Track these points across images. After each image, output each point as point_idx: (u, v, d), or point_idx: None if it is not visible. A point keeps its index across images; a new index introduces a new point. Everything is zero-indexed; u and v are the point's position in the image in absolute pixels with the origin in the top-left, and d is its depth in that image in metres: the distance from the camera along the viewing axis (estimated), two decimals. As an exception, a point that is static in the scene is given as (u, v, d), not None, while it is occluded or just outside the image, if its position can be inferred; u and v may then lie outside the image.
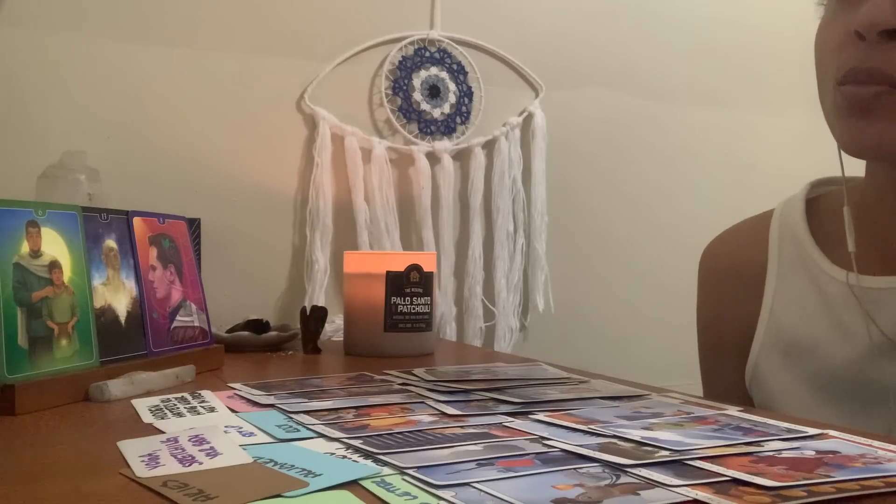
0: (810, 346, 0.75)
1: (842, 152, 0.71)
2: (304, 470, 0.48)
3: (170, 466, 0.49)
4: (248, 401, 0.70)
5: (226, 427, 0.60)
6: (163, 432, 0.59)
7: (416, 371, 0.85)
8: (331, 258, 1.36)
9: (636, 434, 0.56)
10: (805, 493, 0.43)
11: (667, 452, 0.51)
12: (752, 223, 0.85)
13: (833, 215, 0.76)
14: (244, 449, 0.53)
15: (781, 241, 0.80)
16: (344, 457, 0.52)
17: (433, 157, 1.45)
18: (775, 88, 1.75)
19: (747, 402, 0.82)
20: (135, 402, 0.70)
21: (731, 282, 0.84)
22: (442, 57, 1.46)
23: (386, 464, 0.49)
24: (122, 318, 0.80)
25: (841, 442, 0.55)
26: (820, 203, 0.80)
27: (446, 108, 1.46)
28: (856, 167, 0.76)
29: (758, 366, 0.80)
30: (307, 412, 0.64)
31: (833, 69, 0.68)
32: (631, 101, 1.65)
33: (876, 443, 0.54)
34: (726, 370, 0.84)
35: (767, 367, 0.79)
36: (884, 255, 0.73)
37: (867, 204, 0.74)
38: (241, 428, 0.60)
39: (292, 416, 0.63)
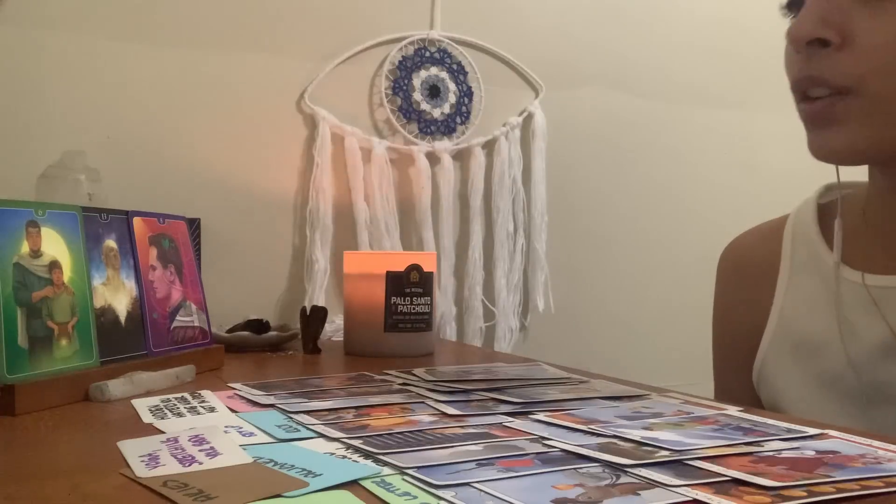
0: (819, 345, 0.76)
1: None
2: (304, 470, 0.48)
3: (170, 466, 0.49)
4: (248, 401, 0.70)
5: (226, 427, 0.60)
6: (163, 432, 0.59)
7: (416, 371, 0.85)
8: (331, 258, 1.36)
9: (636, 434, 0.56)
10: (805, 493, 0.43)
11: (667, 452, 0.51)
12: (768, 226, 0.88)
13: (843, 218, 0.77)
14: (244, 449, 0.53)
15: (794, 243, 0.82)
16: (344, 457, 0.52)
17: (433, 157, 1.45)
18: (776, 88, 1.74)
19: (757, 399, 0.82)
20: (135, 402, 0.70)
21: (744, 281, 0.86)
22: (442, 57, 1.46)
23: (386, 464, 0.49)
24: (122, 318, 0.80)
25: (841, 442, 0.55)
26: (832, 206, 0.82)
27: (446, 108, 1.46)
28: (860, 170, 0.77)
29: (765, 363, 0.81)
30: (307, 412, 0.64)
31: (790, 83, 0.72)
32: (631, 101, 1.65)
33: (876, 443, 0.54)
34: (738, 368, 0.85)
35: (775, 364, 0.80)
36: (889, 253, 0.74)
37: (871, 205, 0.76)
38: (241, 428, 0.60)
39: (292, 416, 0.63)
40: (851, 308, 0.74)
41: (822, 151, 0.70)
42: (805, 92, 0.69)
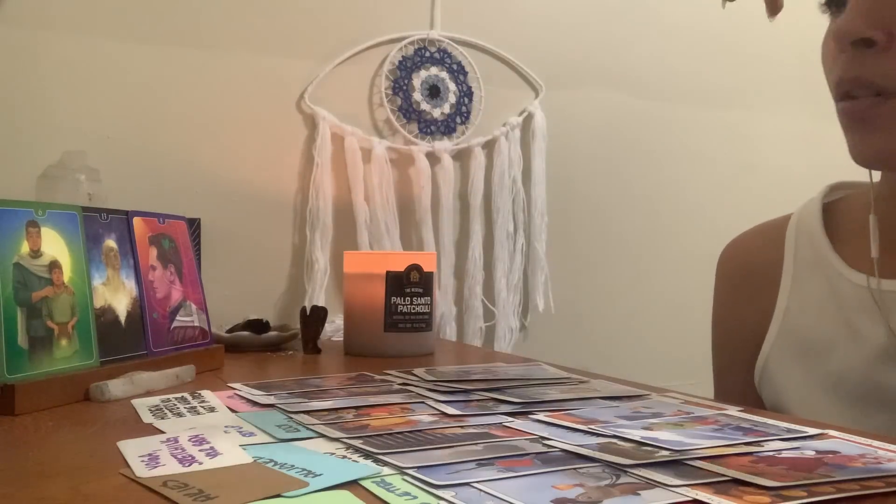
0: (823, 347, 0.76)
1: None
2: (304, 470, 0.48)
3: (170, 466, 0.49)
4: (248, 401, 0.70)
5: (226, 427, 0.60)
6: (163, 432, 0.59)
7: (416, 371, 0.85)
8: (331, 258, 1.36)
9: (636, 434, 0.56)
10: (805, 493, 0.43)
11: (667, 452, 0.51)
12: (770, 225, 0.87)
13: (849, 219, 0.77)
14: (244, 449, 0.53)
15: (798, 243, 0.81)
16: (344, 457, 0.52)
17: (433, 157, 1.45)
18: (776, 88, 1.75)
19: (757, 401, 0.82)
20: (135, 402, 0.70)
21: (746, 281, 0.85)
22: (442, 57, 1.46)
23: (386, 464, 0.49)
24: (122, 318, 0.80)
25: (841, 442, 0.55)
26: (836, 207, 0.81)
27: (446, 108, 1.46)
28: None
29: (768, 364, 0.80)
30: (307, 412, 0.64)
31: (831, 83, 0.70)
32: (631, 101, 1.65)
33: (876, 443, 0.54)
34: (738, 368, 0.85)
35: (778, 365, 0.80)
36: (894, 256, 0.73)
37: (881, 207, 0.75)
38: (241, 428, 0.60)
39: (292, 416, 0.63)
40: (855, 310, 0.74)
41: (863, 156, 0.69)
42: (848, 92, 0.67)
